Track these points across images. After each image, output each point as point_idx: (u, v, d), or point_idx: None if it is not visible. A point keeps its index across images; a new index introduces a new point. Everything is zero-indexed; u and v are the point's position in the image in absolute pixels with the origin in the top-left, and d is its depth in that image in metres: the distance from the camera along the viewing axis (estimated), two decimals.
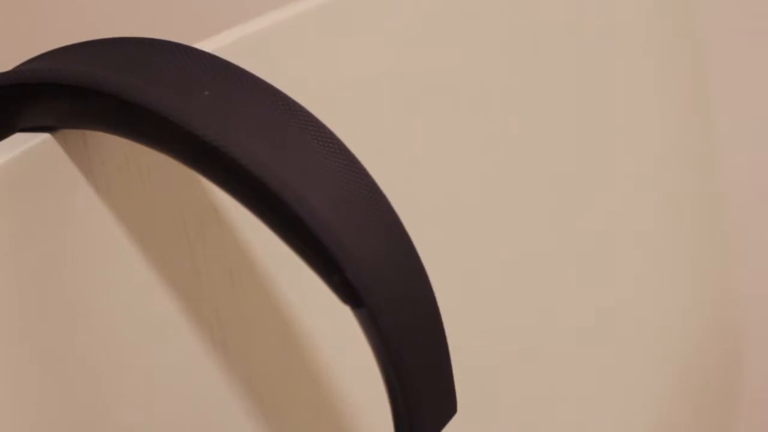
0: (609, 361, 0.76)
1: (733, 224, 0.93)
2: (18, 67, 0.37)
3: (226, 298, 0.43)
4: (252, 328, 0.44)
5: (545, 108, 0.67)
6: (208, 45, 0.41)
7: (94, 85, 0.34)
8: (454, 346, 0.37)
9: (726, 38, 0.91)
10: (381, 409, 0.38)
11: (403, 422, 0.35)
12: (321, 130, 0.35)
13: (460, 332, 0.47)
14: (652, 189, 0.81)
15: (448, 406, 0.36)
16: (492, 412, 0.63)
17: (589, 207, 0.72)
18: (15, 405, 0.35)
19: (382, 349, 0.34)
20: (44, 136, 0.35)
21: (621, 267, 0.76)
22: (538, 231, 0.67)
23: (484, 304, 0.62)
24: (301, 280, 0.45)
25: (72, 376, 0.37)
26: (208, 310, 0.42)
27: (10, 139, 0.35)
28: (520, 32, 0.64)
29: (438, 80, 0.57)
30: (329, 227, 0.33)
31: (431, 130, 0.56)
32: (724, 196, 0.92)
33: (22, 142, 0.35)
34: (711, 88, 0.89)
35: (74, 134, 0.36)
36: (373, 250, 0.34)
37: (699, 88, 0.88)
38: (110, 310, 0.38)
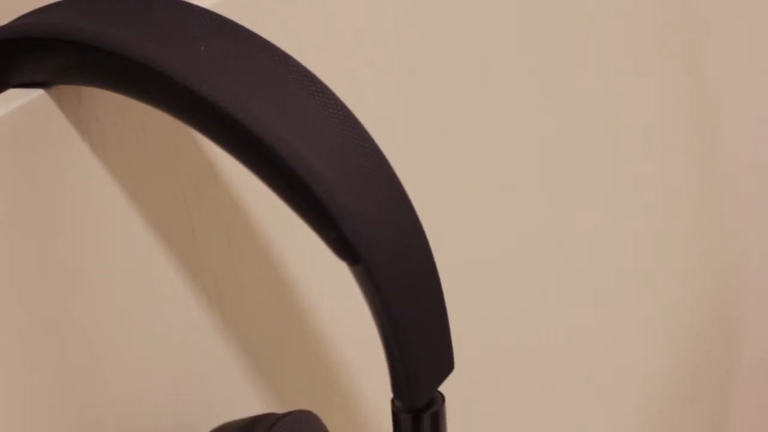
0: (613, 330, 0.77)
1: (733, 191, 0.93)
2: (13, 22, 0.36)
3: (222, 257, 0.43)
4: (248, 287, 0.44)
5: (547, 68, 0.67)
6: (204, 0, 0.41)
7: (90, 40, 0.34)
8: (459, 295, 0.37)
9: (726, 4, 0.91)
10: (378, 368, 0.38)
11: (400, 379, 0.35)
12: (317, 86, 0.35)
13: (466, 292, 0.47)
14: (654, 156, 0.80)
15: (445, 363, 0.36)
16: (501, 369, 0.63)
17: (593, 176, 0.72)
18: (10, 365, 0.34)
19: (379, 305, 0.34)
20: (38, 92, 0.35)
21: (623, 236, 0.76)
22: (543, 201, 0.67)
23: (492, 270, 0.62)
24: (298, 239, 0.45)
25: (67, 334, 0.36)
26: (204, 269, 0.42)
27: (3, 95, 0.35)
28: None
29: (439, 48, 0.57)
30: (325, 182, 0.33)
31: (431, 91, 0.56)
32: (724, 165, 0.92)
33: (16, 98, 0.35)
34: (711, 50, 0.89)
35: (68, 90, 0.36)
36: (369, 206, 0.34)
37: (698, 49, 0.88)
38: (105, 267, 0.38)
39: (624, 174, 0.76)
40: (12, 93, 0.35)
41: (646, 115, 0.79)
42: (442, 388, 0.37)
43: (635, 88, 0.78)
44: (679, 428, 0.90)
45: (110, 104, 0.37)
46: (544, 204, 0.67)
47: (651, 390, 0.84)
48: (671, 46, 0.84)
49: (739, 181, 0.93)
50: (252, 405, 0.44)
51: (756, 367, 0.98)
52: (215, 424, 0.41)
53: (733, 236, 0.94)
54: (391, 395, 0.37)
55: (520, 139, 0.64)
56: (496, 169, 0.62)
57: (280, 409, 0.41)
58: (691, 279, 0.88)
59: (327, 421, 0.42)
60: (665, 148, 0.82)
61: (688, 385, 0.89)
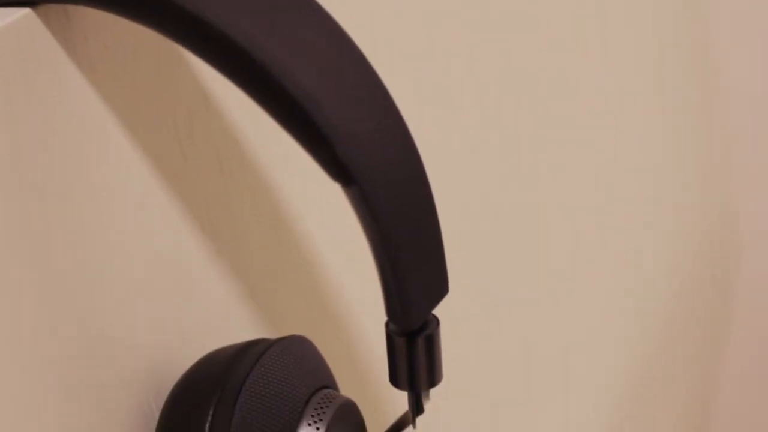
0: (615, 255, 0.77)
1: (732, 122, 0.93)
2: None
3: (214, 184, 0.43)
4: (241, 214, 0.44)
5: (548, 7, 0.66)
6: None
7: None
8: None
9: None
10: (372, 294, 0.38)
11: (394, 302, 0.35)
12: (311, 5, 0.34)
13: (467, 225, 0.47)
14: (655, 89, 0.80)
15: (439, 286, 0.36)
16: (504, 292, 0.63)
17: (594, 110, 0.72)
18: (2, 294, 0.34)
19: (373, 227, 0.34)
20: (25, 11, 0.34)
21: (626, 163, 0.76)
22: (543, 132, 0.66)
23: (491, 197, 0.61)
24: (291, 166, 0.45)
25: (56, 263, 0.36)
26: (196, 197, 0.42)
27: None
28: None
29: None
30: (317, 101, 0.32)
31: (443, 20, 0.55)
32: (725, 100, 0.92)
33: (2, 17, 0.34)
34: None
35: (56, 9, 0.35)
36: (363, 126, 0.33)
37: None
38: (94, 193, 0.37)
39: (626, 107, 0.76)
40: None
41: (647, 51, 0.79)
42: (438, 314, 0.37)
43: (636, 25, 0.77)
44: (680, 348, 0.90)
45: (100, 25, 0.37)
46: (544, 135, 0.67)
47: (654, 310, 0.84)
48: None
49: (738, 112, 0.93)
50: (245, 332, 0.44)
51: (754, 289, 0.99)
52: (208, 351, 0.41)
53: (732, 165, 0.94)
54: (385, 319, 0.36)
55: (522, 53, 0.64)
56: (494, 97, 0.62)
57: (273, 336, 0.41)
58: (693, 205, 0.88)
59: (320, 346, 0.42)
60: (667, 82, 0.82)
61: (690, 306, 0.89)
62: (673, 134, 0.83)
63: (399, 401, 0.41)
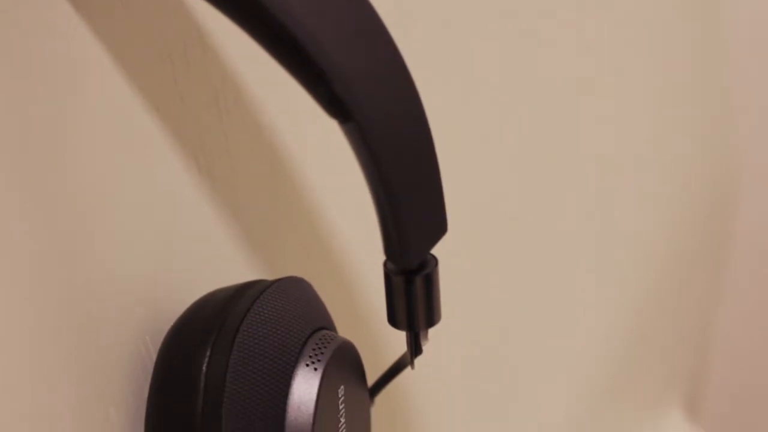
0: (613, 205, 0.76)
1: (733, 68, 0.92)
2: None
3: (211, 125, 0.42)
4: (238, 155, 0.43)
5: None
6: None
7: None
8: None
9: None
10: (371, 234, 0.38)
11: (392, 240, 0.34)
12: None
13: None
14: (655, 37, 0.79)
15: (438, 225, 0.35)
16: (501, 235, 0.63)
17: (592, 58, 0.71)
18: None
19: (370, 165, 0.33)
20: None
21: (625, 112, 0.76)
22: (543, 81, 0.66)
23: (490, 141, 0.61)
24: (290, 105, 0.44)
25: (50, 203, 0.36)
26: (193, 137, 0.41)
27: None
28: None
29: None
30: (315, 35, 0.31)
31: None
32: (725, 44, 0.91)
33: None
34: None
35: None
36: (361, 62, 0.33)
37: None
38: (89, 133, 0.37)
39: (624, 56, 0.75)
40: None
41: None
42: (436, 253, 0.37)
43: None
44: (678, 297, 0.90)
45: None
46: (544, 83, 0.66)
47: (651, 261, 0.84)
48: None
49: (738, 59, 0.93)
50: (242, 274, 0.44)
51: (750, 241, 0.99)
52: (204, 293, 0.40)
53: (731, 114, 0.94)
54: (383, 259, 0.36)
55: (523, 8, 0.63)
56: (497, 43, 0.61)
57: (270, 277, 0.41)
58: (691, 155, 0.87)
59: (318, 287, 0.41)
60: (667, 29, 0.81)
61: (686, 258, 0.89)
62: (672, 84, 0.83)
63: (397, 343, 0.41)
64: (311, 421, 0.37)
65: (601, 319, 0.79)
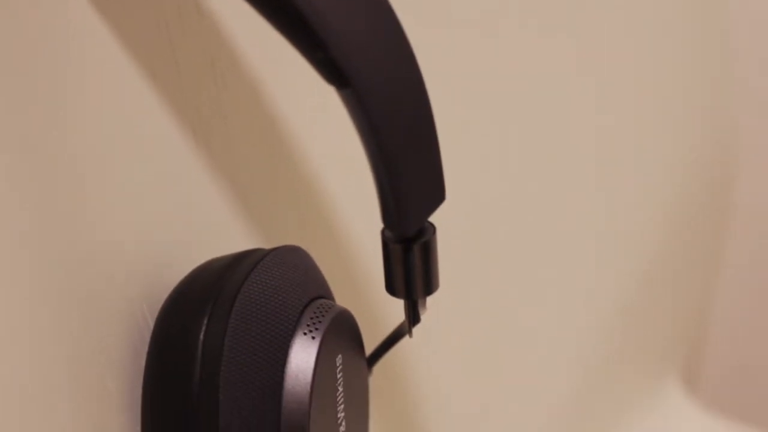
0: (611, 181, 0.76)
1: (733, 46, 0.92)
2: None
3: (207, 93, 0.42)
4: (235, 122, 0.43)
5: None
6: None
7: None
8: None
9: None
10: (368, 201, 0.37)
11: (390, 208, 0.34)
12: None
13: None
14: (653, 17, 0.79)
15: (436, 193, 0.35)
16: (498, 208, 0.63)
17: (590, 36, 0.71)
18: None
19: (368, 131, 0.33)
20: None
21: (621, 90, 0.76)
22: (542, 64, 0.65)
23: (490, 117, 0.61)
24: (287, 71, 0.44)
25: (46, 170, 0.35)
26: (189, 105, 0.41)
27: None
28: None
29: None
30: (313, 0, 0.31)
31: None
32: (724, 39, 0.91)
33: None
34: None
35: None
36: (358, 27, 0.32)
37: None
38: (84, 100, 0.37)
39: (621, 33, 0.75)
40: None
41: None
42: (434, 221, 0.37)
43: None
44: (676, 270, 0.91)
45: None
46: (543, 67, 0.66)
47: (651, 233, 0.84)
48: None
49: (738, 38, 0.92)
50: (239, 243, 0.44)
51: (750, 214, 0.99)
52: (201, 262, 0.40)
53: (730, 94, 0.93)
54: (381, 227, 0.36)
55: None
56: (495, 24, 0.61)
57: (267, 246, 0.41)
58: (689, 133, 0.87)
59: (315, 256, 0.41)
60: (665, 26, 0.81)
61: (686, 229, 0.89)
62: (671, 48, 0.83)
63: (395, 312, 0.41)
64: (309, 389, 0.37)
65: (600, 290, 0.79)
